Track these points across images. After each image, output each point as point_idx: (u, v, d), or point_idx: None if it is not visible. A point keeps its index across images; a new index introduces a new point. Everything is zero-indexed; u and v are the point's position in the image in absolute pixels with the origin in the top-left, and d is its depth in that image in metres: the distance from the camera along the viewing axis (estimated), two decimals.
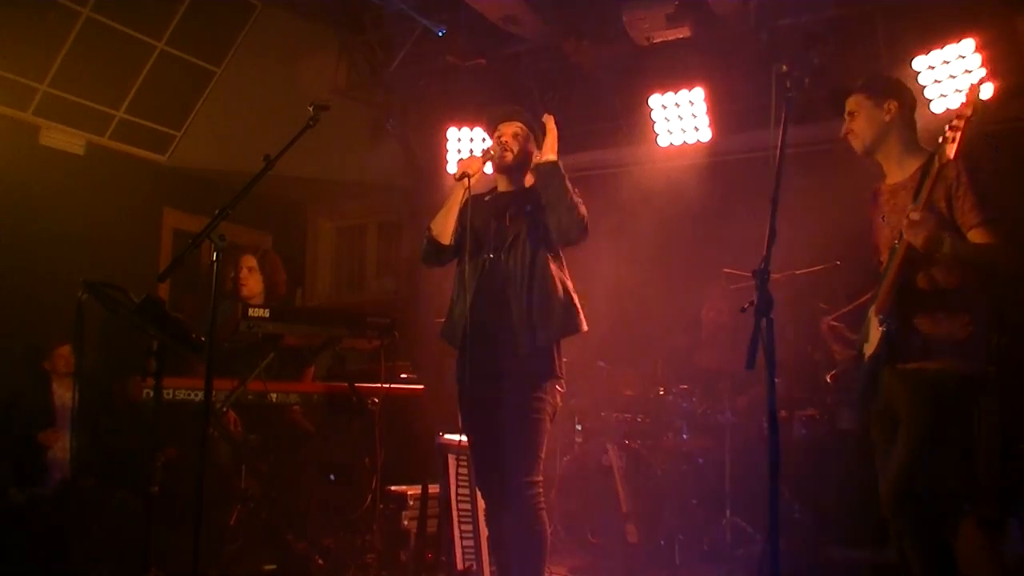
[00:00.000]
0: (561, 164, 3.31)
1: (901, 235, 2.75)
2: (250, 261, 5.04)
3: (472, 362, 3.34)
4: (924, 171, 2.84)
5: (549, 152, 3.32)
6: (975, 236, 2.72)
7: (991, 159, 2.84)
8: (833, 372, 3.28)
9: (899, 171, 2.99)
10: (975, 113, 2.67)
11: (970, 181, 2.74)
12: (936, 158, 2.71)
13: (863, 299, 3.07)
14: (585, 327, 3.34)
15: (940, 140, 2.70)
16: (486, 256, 3.36)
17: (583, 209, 3.28)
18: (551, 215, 3.27)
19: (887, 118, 2.96)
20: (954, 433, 2.78)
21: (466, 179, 3.31)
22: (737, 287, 4.98)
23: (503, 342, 3.24)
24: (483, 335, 3.29)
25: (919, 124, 3.04)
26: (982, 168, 2.79)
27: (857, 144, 3.03)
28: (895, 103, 2.97)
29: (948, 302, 2.78)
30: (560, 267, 3.38)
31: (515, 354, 3.22)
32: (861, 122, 3.00)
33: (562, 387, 3.36)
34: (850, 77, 3.17)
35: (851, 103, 3.04)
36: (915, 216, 2.67)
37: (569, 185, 3.28)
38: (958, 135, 2.66)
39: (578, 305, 3.36)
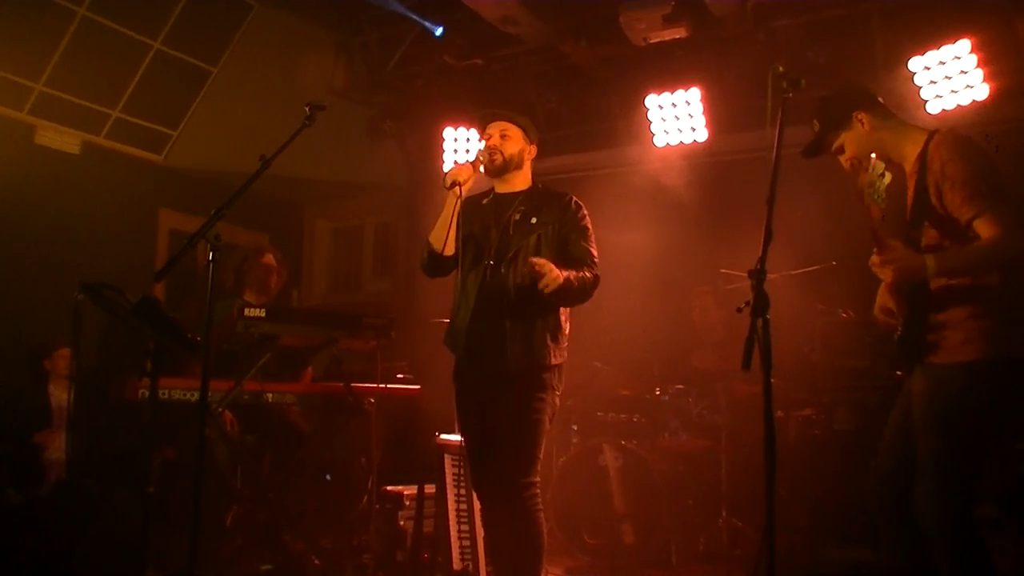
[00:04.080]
0: (569, 276, 3.12)
1: None
2: (272, 258, 5.06)
3: (472, 366, 3.34)
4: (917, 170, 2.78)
5: (553, 280, 3.04)
6: (978, 228, 2.55)
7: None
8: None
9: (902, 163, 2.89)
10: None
11: (956, 172, 2.57)
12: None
13: None
14: (560, 360, 3.30)
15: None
16: (487, 263, 3.33)
17: (594, 284, 3.27)
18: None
19: (866, 128, 2.82)
20: (963, 431, 2.74)
21: (457, 187, 3.26)
22: (733, 287, 4.99)
23: (502, 349, 3.24)
24: (484, 341, 3.29)
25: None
26: (965, 153, 2.62)
27: (864, 166, 2.90)
28: (862, 112, 2.82)
29: (959, 297, 2.63)
30: None
31: (512, 363, 3.22)
32: (852, 148, 2.87)
33: (560, 389, 3.35)
34: (845, 81, 3.12)
35: (830, 140, 2.89)
36: (874, 260, 2.55)
37: (577, 284, 3.16)
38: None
39: (564, 337, 3.33)
